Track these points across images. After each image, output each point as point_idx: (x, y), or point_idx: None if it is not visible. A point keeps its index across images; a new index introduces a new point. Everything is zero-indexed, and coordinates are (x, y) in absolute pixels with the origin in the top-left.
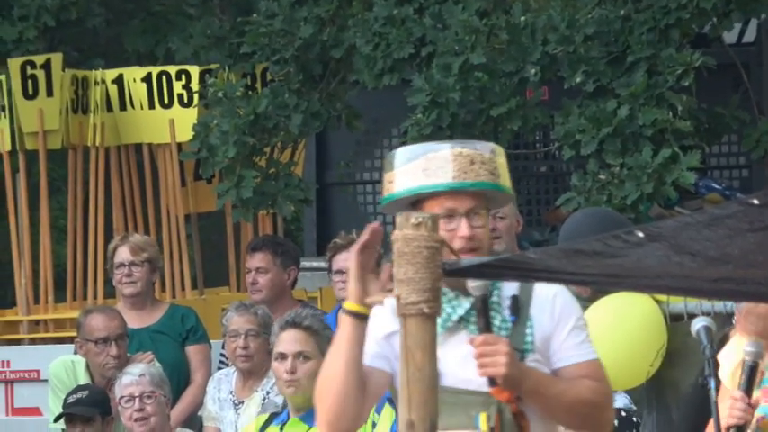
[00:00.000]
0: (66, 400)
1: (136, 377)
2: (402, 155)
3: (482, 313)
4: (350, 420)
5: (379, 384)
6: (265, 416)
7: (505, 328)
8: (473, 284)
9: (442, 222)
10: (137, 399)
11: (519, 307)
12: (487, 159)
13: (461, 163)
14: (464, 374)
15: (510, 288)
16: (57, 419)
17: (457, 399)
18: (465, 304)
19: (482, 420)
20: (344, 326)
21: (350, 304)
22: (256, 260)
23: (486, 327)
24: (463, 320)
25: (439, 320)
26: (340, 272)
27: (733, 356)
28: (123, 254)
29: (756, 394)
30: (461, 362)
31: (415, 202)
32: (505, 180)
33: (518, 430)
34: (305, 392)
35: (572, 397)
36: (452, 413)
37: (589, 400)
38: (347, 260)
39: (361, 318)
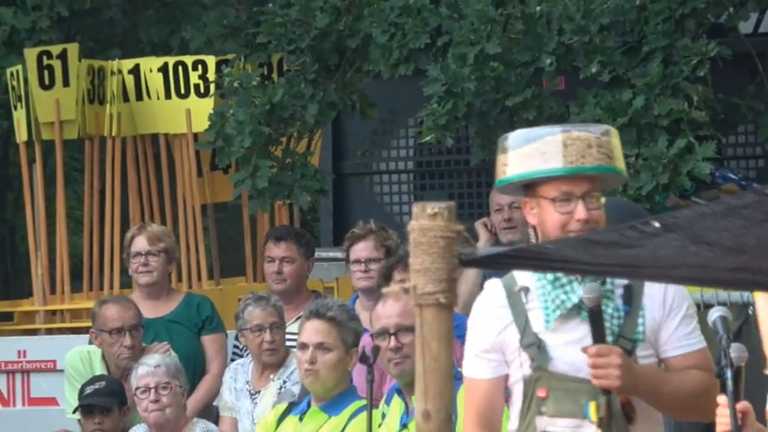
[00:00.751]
0: (82, 390)
1: (151, 368)
2: (517, 138)
3: (595, 324)
4: None
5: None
6: (284, 405)
7: (618, 317)
8: (587, 295)
9: (557, 205)
10: (152, 390)
11: (632, 296)
12: (603, 142)
13: (579, 147)
14: (575, 361)
15: None
16: (75, 410)
17: (566, 385)
18: (579, 291)
19: (592, 410)
20: None
21: None
22: (282, 250)
23: (599, 337)
24: (576, 307)
25: (552, 306)
26: (358, 261)
27: None
28: (140, 243)
29: None
30: (572, 348)
31: (530, 185)
32: (620, 162)
33: (626, 419)
34: (324, 383)
35: (684, 392)
36: (559, 399)
37: (699, 391)
38: (365, 250)
39: None
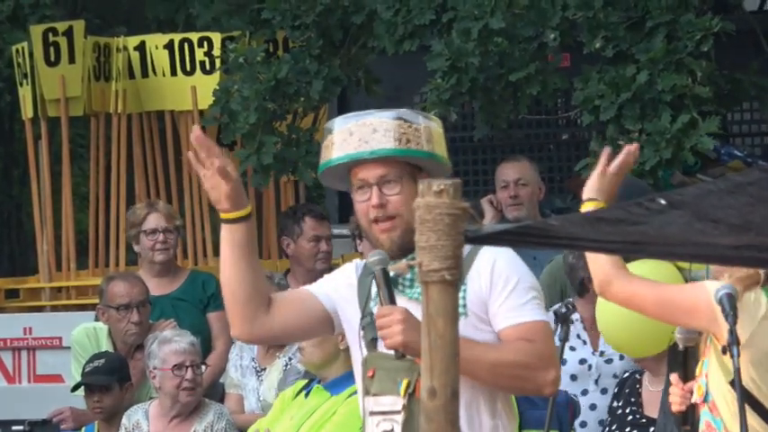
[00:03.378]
0: (84, 368)
1: (187, 345)
2: (335, 123)
3: (383, 285)
4: (249, 322)
5: (309, 309)
6: (303, 382)
7: None
8: (372, 258)
9: (357, 194)
10: (189, 368)
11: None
12: (392, 126)
13: (362, 133)
14: None
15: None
16: (75, 389)
17: (389, 364)
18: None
19: (402, 387)
20: (222, 231)
21: (224, 214)
22: (324, 228)
23: (390, 299)
24: (399, 285)
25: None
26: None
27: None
28: (157, 220)
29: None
30: None
31: (349, 170)
32: (420, 145)
33: None
34: (309, 359)
35: (493, 358)
36: (382, 379)
37: (517, 361)
38: None
39: (231, 221)
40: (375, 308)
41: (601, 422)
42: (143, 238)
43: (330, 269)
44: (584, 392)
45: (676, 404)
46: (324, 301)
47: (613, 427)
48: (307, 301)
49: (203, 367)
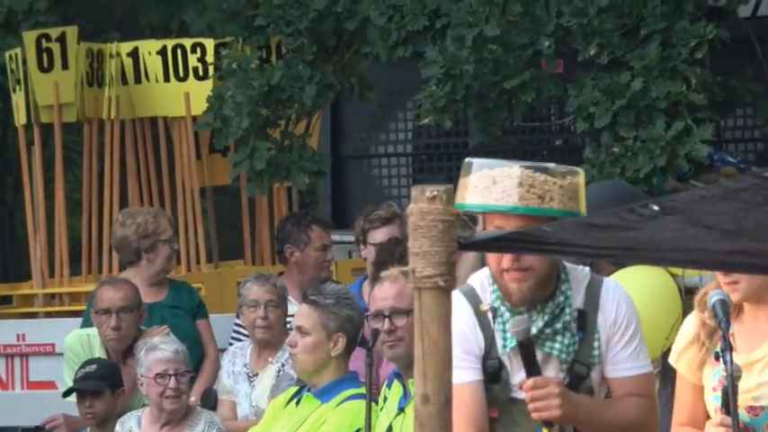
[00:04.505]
0: (76, 374)
1: (171, 353)
2: (478, 164)
3: (526, 358)
4: None
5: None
6: (295, 389)
7: (573, 343)
8: (515, 329)
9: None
10: (172, 377)
11: (585, 321)
12: (538, 182)
13: (506, 185)
14: None
15: (577, 299)
16: (66, 394)
17: (517, 407)
18: (539, 323)
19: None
20: None
21: None
22: (330, 236)
23: (532, 370)
24: (535, 338)
25: (501, 330)
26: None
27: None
28: (168, 229)
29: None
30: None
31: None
32: (562, 203)
33: None
34: (302, 366)
35: (621, 421)
36: (519, 424)
37: (636, 420)
38: (388, 234)
39: None
40: (505, 356)
41: None
42: (159, 246)
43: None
44: None
45: None
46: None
47: None
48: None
49: (188, 375)
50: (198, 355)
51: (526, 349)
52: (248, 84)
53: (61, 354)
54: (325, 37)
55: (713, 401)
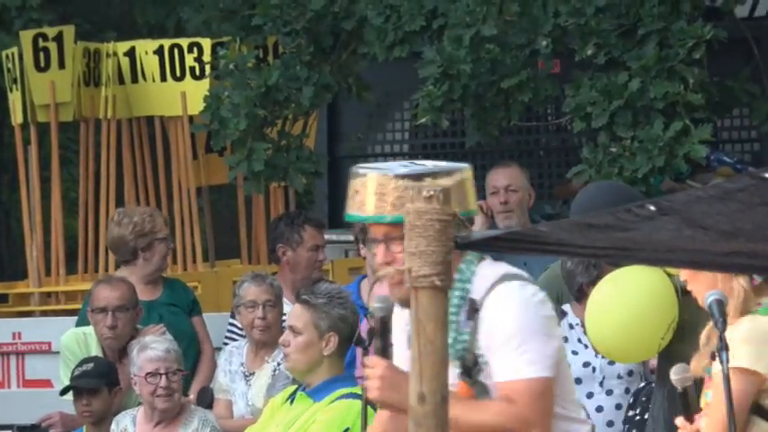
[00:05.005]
0: (73, 372)
1: (162, 353)
2: (352, 173)
3: (379, 335)
4: None
5: None
6: (293, 388)
7: (463, 332)
8: (376, 305)
9: (370, 246)
10: (163, 375)
11: (476, 310)
12: (390, 190)
13: (362, 194)
14: None
15: (479, 287)
16: (64, 392)
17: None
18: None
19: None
20: None
21: None
22: (323, 236)
23: (383, 350)
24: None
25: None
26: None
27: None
28: (164, 228)
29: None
30: None
31: None
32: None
33: None
34: (294, 365)
35: (468, 420)
36: None
37: (494, 424)
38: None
39: None
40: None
41: (609, 423)
42: (155, 244)
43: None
44: (590, 395)
45: None
46: None
47: None
48: None
49: (181, 374)
50: (195, 353)
51: (382, 325)
52: (245, 84)
53: (57, 352)
54: (322, 37)
55: (705, 397)
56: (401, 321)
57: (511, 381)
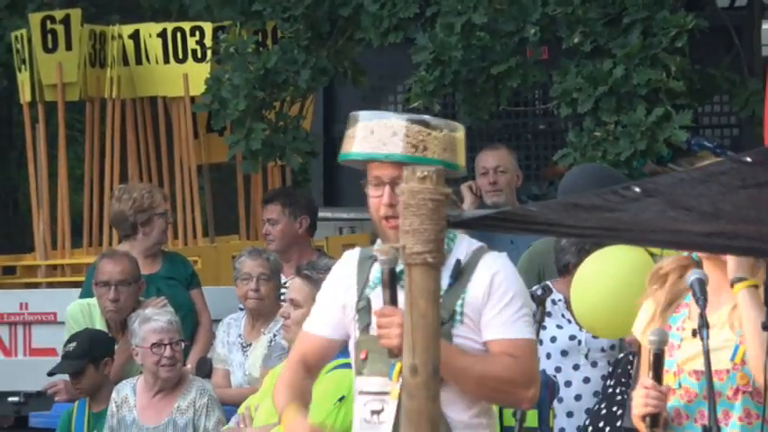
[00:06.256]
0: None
1: (165, 324)
2: (360, 116)
3: (388, 285)
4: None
5: (331, 350)
6: None
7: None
8: (382, 257)
9: (372, 189)
10: (167, 346)
11: (461, 274)
12: (412, 132)
13: (382, 134)
14: None
15: (461, 251)
16: (51, 374)
17: (381, 348)
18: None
19: (396, 370)
20: None
21: None
22: (268, 212)
23: (392, 299)
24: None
25: (377, 272)
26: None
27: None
28: (163, 203)
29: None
30: None
31: (367, 163)
32: (435, 153)
33: None
34: (293, 336)
35: (480, 371)
36: (375, 361)
37: (501, 376)
38: None
39: None
40: (372, 294)
41: (595, 393)
42: (154, 219)
43: (314, 252)
44: (576, 367)
45: (651, 406)
46: (332, 335)
47: (602, 405)
48: (326, 348)
49: (182, 344)
50: (191, 324)
51: (390, 275)
52: (245, 67)
53: (62, 322)
54: (319, 23)
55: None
56: None
57: (514, 339)
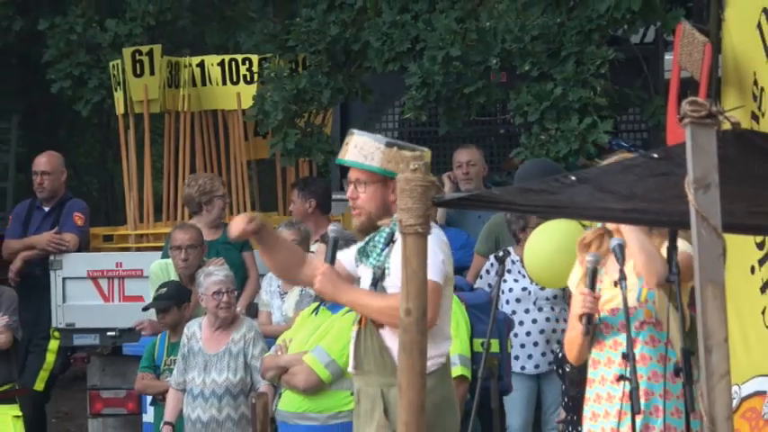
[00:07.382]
0: (154, 294)
1: (222, 277)
2: (352, 131)
3: (330, 248)
4: (288, 276)
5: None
6: (316, 304)
7: (380, 252)
8: (330, 228)
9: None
10: (224, 293)
11: (393, 240)
12: (362, 143)
13: (348, 146)
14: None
15: (397, 231)
16: (145, 309)
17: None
18: (362, 243)
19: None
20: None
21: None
22: (292, 195)
23: (330, 259)
24: (361, 250)
25: (364, 242)
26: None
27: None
28: (221, 188)
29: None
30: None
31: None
32: (375, 162)
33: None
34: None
35: (378, 305)
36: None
37: (396, 305)
38: None
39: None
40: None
41: (541, 331)
42: (213, 200)
43: (328, 223)
44: (527, 311)
45: (587, 308)
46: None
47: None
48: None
49: (235, 292)
50: (242, 278)
51: (333, 243)
52: (282, 88)
53: (147, 277)
54: (337, 55)
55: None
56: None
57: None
